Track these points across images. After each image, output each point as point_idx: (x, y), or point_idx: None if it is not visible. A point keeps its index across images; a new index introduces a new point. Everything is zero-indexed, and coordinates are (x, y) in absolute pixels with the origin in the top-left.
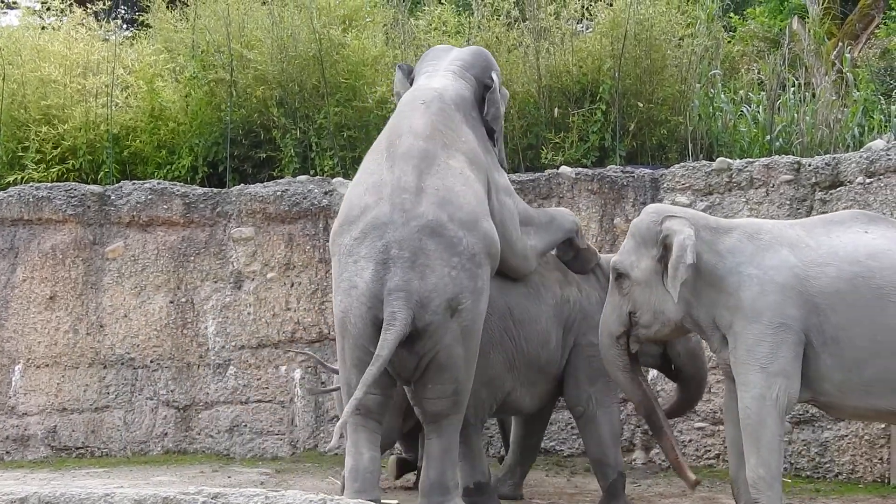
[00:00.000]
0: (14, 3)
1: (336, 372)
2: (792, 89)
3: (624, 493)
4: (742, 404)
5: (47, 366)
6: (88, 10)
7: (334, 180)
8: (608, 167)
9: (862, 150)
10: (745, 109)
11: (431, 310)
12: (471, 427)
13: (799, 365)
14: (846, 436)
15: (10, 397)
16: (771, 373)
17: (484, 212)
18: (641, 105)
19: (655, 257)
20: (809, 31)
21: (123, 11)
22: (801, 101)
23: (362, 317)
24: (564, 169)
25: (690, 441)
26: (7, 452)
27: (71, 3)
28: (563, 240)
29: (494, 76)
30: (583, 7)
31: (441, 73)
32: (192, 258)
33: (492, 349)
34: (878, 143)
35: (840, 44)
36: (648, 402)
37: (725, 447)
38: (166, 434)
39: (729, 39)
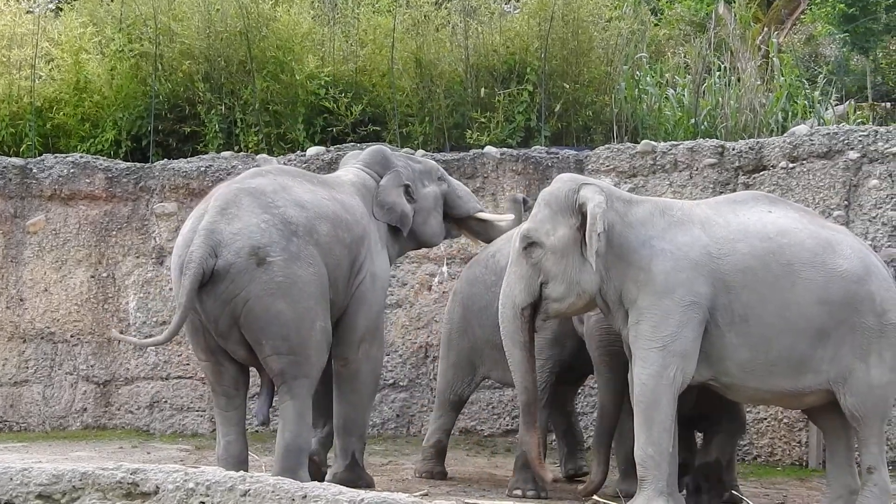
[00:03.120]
0: None
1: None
2: (717, 73)
3: None
4: (638, 380)
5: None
6: None
7: (259, 156)
8: (533, 148)
9: (785, 134)
10: (670, 93)
11: (234, 250)
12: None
13: (698, 345)
14: (765, 419)
15: None
16: (671, 351)
17: (322, 214)
18: (567, 86)
19: (574, 226)
20: (735, 15)
21: None
22: (726, 85)
23: (177, 268)
24: (489, 149)
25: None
26: None
27: None
28: None
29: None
30: None
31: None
32: (115, 233)
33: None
34: (802, 129)
35: (766, 29)
36: (533, 390)
37: None
38: (86, 409)
39: (655, 23)
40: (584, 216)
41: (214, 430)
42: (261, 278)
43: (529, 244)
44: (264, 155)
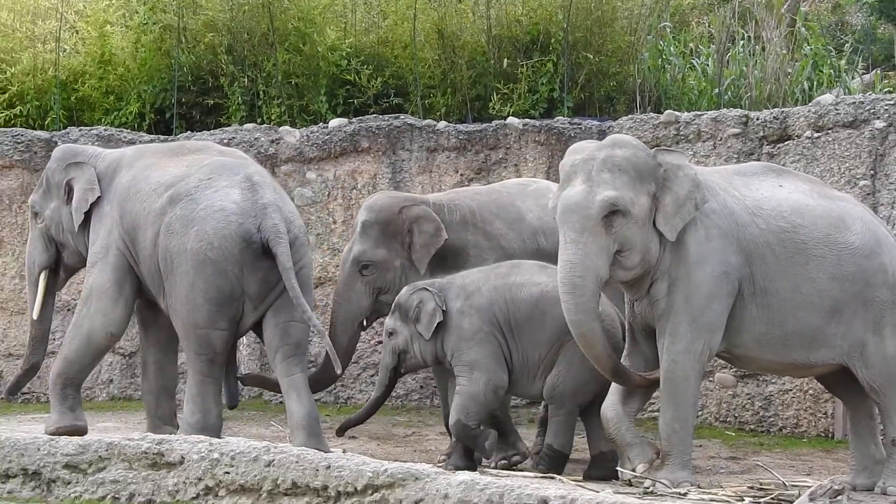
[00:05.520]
0: None
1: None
2: (741, 43)
3: None
4: (668, 356)
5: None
6: None
7: (281, 128)
8: (556, 119)
9: (811, 104)
10: (694, 62)
11: (297, 226)
12: None
13: (725, 318)
14: (790, 390)
15: None
16: (700, 325)
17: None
18: (591, 57)
19: (651, 193)
20: None
21: None
22: (750, 54)
23: (237, 236)
24: (512, 120)
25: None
26: None
27: None
28: None
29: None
30: None
31: None
32: None
33: None
34: (827, 98)
35: None
36: (614, 354)
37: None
38: (112, 380)
39: None
40: (663, 183)
41: (239, 400)
42: (309, 254)
43: (612, 212)
44: (287, 127)
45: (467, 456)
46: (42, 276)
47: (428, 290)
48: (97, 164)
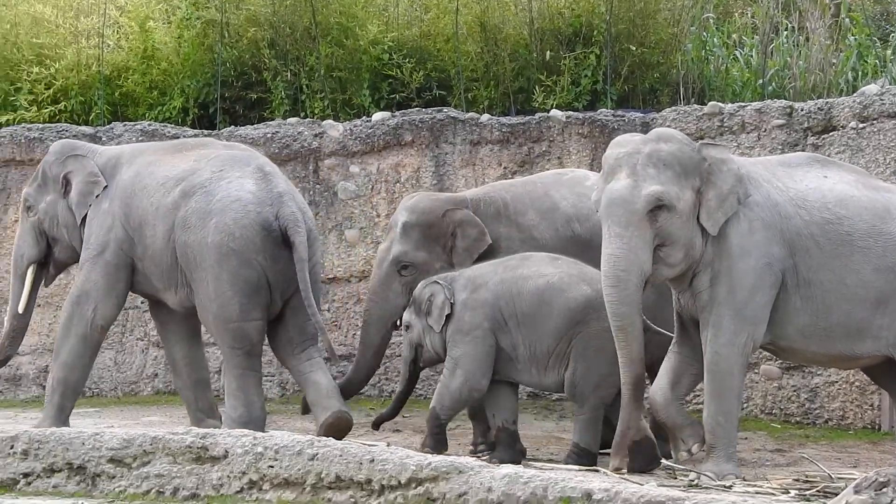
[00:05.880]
0: None
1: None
2: (785, 33)
3: None
4: (712, 348)
5: (39, 306)
6: None
7: (324, 122)
8: (599, 111)
9: (855, 94)
10: (737, 53)
11: (310, 218)
12: None
13: (769, 311)
14: (836, 382)
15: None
16: (743, 318)
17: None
18: (634, 48)
19: (696, 188)
20: None
21: None
22: (794, 45)
23: (257, 225)
24: (555, 112)
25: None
26: None
27: None
28: None
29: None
30: None
31: None
32: None
33: None
34: (872, 88)
35: None
36: (643, 361)
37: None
38: (157, 375)
39: None
40: (707, 178)
41: (283, 394)
42: (321, 248)
43: (657, 207)
44: (330, 121)
45: (512, 448)
46: (30, 270)
47: (439, 283)
48: (95, 159)
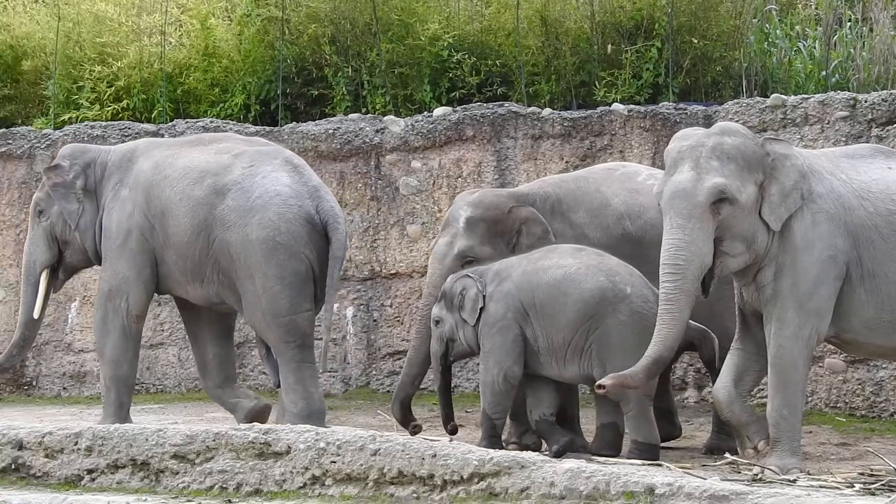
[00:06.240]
0: None
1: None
2: (848, 24)
3: None
4: (776, 342)
5: None
6: None
7: (386, 118)
8: (661, 104)
9: None
10: (800, 45)
11: (340, 210)
12: None
13: (833, 303)
14: None
15: (66, 334)
16: (807, 310)
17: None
18: (696, 41)
19: (759, 182)
20: None
21: None
22: (857, 36)
23: (302, 218)
24: (617, 106)
25: None
26: (64, 388)
27: None
28: None
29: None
30: None
31: None
32: None
33: None
34: None
35: None
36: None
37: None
38: None
39: None
40: (770, 172)
41: (346, 390)
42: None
43: (720, 200)
44: (391, 116)
45: (556, 435)
46: (43, 275)
47: (470, 276)
48: (109, 157)
